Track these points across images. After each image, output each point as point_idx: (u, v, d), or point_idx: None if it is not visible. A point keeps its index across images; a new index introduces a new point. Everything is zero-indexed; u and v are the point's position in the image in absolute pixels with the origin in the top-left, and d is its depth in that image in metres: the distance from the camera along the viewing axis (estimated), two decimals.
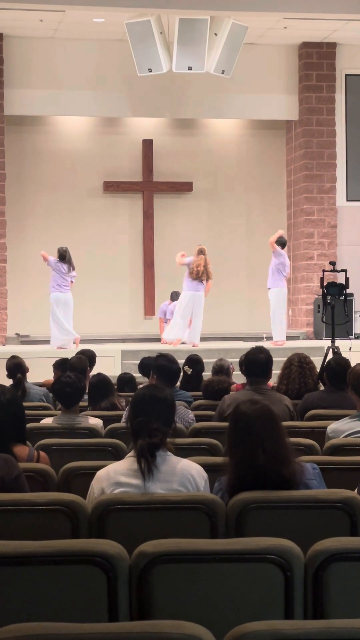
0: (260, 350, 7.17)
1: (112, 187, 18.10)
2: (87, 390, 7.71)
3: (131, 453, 4.14)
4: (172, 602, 3.20)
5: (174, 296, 16.61)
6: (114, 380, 8.68)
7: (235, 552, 3.26)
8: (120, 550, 3.22)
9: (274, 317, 15.77)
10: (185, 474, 4.09)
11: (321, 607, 3.24)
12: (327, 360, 8.15)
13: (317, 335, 17.12)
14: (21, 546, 3.23)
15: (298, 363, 7.92)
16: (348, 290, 13.15)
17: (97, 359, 10.10)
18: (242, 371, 7.22)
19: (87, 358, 9.42)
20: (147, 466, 4.00)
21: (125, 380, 9.37)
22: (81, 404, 6.94)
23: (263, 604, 3.23)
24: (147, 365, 9.42)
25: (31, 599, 3.19)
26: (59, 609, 3.18)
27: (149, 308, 18.13)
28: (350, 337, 15.53)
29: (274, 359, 7.19)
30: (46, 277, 16.89)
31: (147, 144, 18.17)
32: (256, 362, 7.01)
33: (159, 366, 7.30)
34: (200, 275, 15.50)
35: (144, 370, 9.81)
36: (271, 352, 7.26)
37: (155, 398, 4.21)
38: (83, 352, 9.92)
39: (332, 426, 5.88)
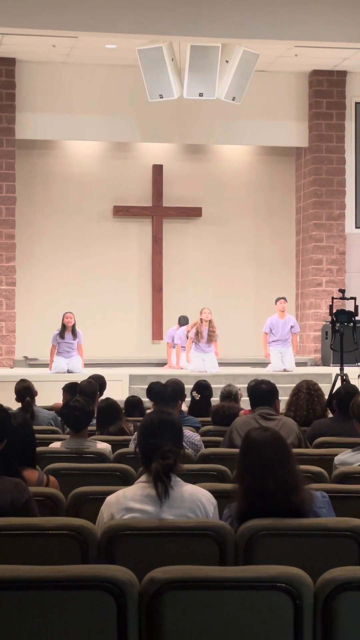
0: (262, 381, 7.27)
1: (122, 212, 18.16)
2: (95, 415, 7.72)
3: (142, 478, 4.14)
4: (182, 628, 3.20)
5: (182, 321, 16.64)
6: (121, 405, 8.69)
7: (245, 579, 3.25)
8: (130, 576, 3.22)
9: None
10: (194, 500, 4.09)
11: (330, 636, 3.23)
12: (336, 388, 8.15)
13: (325, 362, 17.11)
14: (30, 571, 3.23)
15: (306, 390, 7.93)
16: (357, 318, 13.13)
17: (105, 383, 10.11)
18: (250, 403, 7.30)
19: (98, 383, 9.43)
20: (163, 489, 4.00)
21: (134, 403, 9.37)
22: (90, 428, 6.94)
23: (272, 632, 3.22)
24: (150, 390, 9.43)
25: (40, 624, 3.18)
26: (68, 634, 3.18)
27: (157, 332, 18.14)
28: (359, 364, 15.52)
29: (283, 384, 7.23)
30: (54, 300, 16.94)
31: (157, 169, 18.24)
32: (259, 393, 7.10)
33: (150, 392, 7.41)
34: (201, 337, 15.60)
35: (150, 396, 9.81)
36: (280, 378, 7.30)
37: (164, 421, 4.22)
38: (94, 377, 9.93)
39: (340, 457, 5.86)
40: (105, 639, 3.19)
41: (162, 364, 16.91)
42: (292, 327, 15.88)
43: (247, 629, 3.22)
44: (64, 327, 15.32)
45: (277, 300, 16.02)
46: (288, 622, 3.22)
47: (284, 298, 16.01)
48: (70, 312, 15.38)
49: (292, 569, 3.26)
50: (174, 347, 16.43)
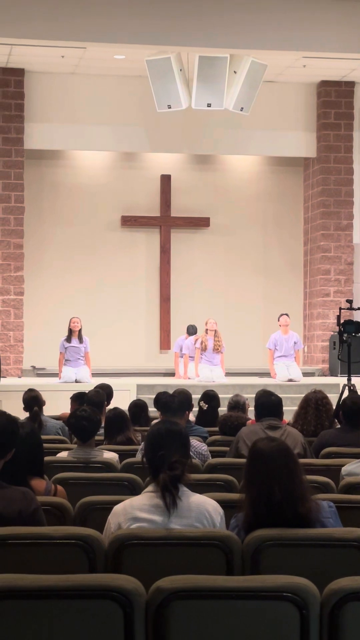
0: (270, 393, 7.31)
1: (130, 222, 18.19)
2: (103, 424, 7.73)
3: (149, 488, 4.15)
4: (188, 638, 3.21)
5: (191, 330, 16.65)
6: (127, 412, 8.70)
7: (251, 589, 3.26)
8: (137, 586, 3.23)
9: None
10: (201, 510, 4.10)
11: None
12: (342, 399, 8.16)
13: (332, 372, 17.11)
14: (38, 580, 3.24)
15: (315, 405, 7.94)
16: None
17: (113, 393, 10.12)
18: (255, 414, 7.33)
19: (105, 393, 9.45)
20: (171, 500, 4.01)
21: (140, 406, 9.38)
22: (97, 438, 6.95)
23: None
24: (158, 400, 9.45)
25: (47, 634, 3.19)
26: None
27: (165, 342, 18.15)
28: None
29: (290, 395, 7.26)
30: (62, 310, 16.96)
31: (165, 179, 18.27)
32: (267, 405, 7.13)
33: (158, 402, 7.43)
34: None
35: (157, 406, 9.82)
36: (288, 388, 7.34)
37: (171, 432, 4.23)
38: (101, 387, 9.94)
39: (347, 468, 5.87)
40: None
41: (169, 374, 16.92)
42: (295, 343, 15.90)
43: (254, 638, 3.22)
44: (70, 331, 15.40)
45: (280, 316, 16.05)
46: (294, 632, 3.23)
47: (286, 314, 16.04)
48: (76, 317, 15.47)
49: (299, 579, 3.27)
50: (182, 357, 16.44)
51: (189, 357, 16.30)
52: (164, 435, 4.20)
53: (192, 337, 16.31)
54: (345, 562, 3.89)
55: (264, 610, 3.24)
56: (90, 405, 8.10)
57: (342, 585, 3.25)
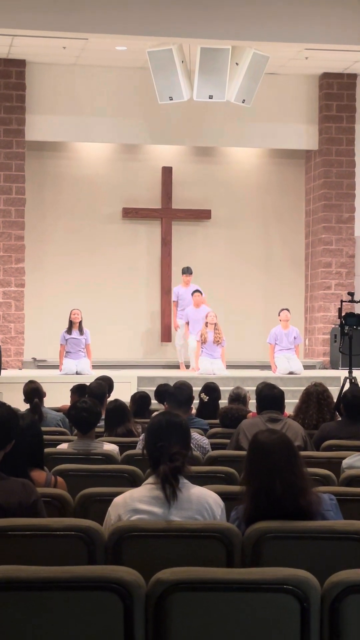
0: (271, 386, 7.32)
1: (131, 214, 18.17)
2: (103, 416, 7.72)
3: (149, 480, 4.14)
4: (188, 630, 3.20)
5: (186, 271, 16.74)
6: (128, 404, 8.70)
7: (252, 581, 3.25)
8: (137, 578, 3.22)
9: None
10: (202, 502, 4.10)
11: (337, 639, 3.23)
12: (343, 392, 8.16)
13: (333, 365, 17.10)
14: (38, 572, 3.24)
15: (316, 399, 7.95)
16: None
17: (113, 385, 10.12)
18: (256, 407, 7.32)
19: (107, 385, 9.45)
20: (171, 491, 4.01)
21: (143, 397, 9.38)
22: (98, 429, 6.94)
23: (279, 634, 3.22)
24: (163, 392, 9.45)
25: (47, 625, 3.19)
26: (75, 635, 3.19)
27: (166, 334, 18.14)
28: None
29: (291, 387, 7.27)
30: (63, 302, 16.94)
31: (167, 172, 18.24)
32: (268, 397, 7.13)
33: (165, 392, 7.41)
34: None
35: (160, 397, 9.83)
36: (289, 380, 7.34)
37: (172, 423, 4.23)
38: (102, 379, 9.94)
39: (347, 461, 5.87)
40: None
41: (170, 366, 16.91)
42: (295, 337, 15.93)
43: (254, 631, 3.22)
44: (71, 323, 15.42)
45: (280, 311, 16.07)
46: (295, 625, 3.22)
47: (287, 309, 16.06)
48: (77, 309, 15.49)
49: (300, 572, 3.26)
50: (179, 309, 16.59)
51: (186, 323, 16.40)
52: (165, 427, 4.19)
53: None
54: (346, 554, 3.88)
55: (264, 602, 3.23)
56: (92, 397, 8.11)
57: (343, 578, 3.25)
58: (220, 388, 10.08)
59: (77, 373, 14.93)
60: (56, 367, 15.65)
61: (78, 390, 9.62)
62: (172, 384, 8.72)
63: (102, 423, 7.63)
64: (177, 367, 16.80)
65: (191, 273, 16.89)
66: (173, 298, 16.93)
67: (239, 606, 3.22)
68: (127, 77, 17.27)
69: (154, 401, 10.14)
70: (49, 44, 15.73)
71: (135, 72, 17.07)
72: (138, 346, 17.96)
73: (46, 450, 5.96)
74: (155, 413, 6.41)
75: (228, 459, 6.40)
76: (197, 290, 16.44)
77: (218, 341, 15.66)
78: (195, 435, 6.95)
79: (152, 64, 15.22)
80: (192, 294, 16.43)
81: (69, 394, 9.84)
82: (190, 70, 15.48)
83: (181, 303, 16.68)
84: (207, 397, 9.63)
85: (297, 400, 8.30)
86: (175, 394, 7.38)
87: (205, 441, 7.16)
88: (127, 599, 3.18)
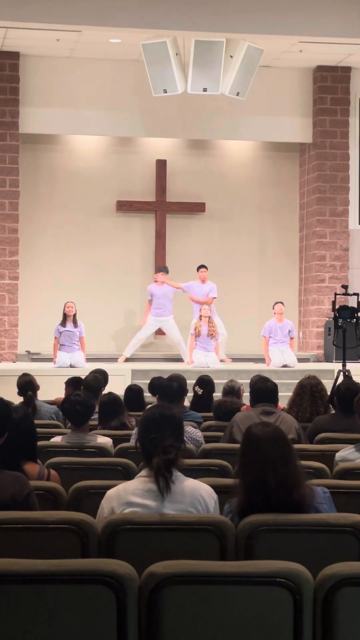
0: (265, 379, 7.33)
1: (125, 207, 18.14)
2: (97, 409, 7.72)
3: (142, 473, 4.14)
4: (181, 623, 3.20)
5: (162, 269, 16.69)
6: (122, 397, 8.70)
7: (245, 574, 3.25)
8: (130, 571, 3.22)
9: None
10: (195, 495, 4.09)
11: (330, 632, 3.23)
12: (337, 385, 8.16)
13: (327, 358, 17.11)
14: (31, 565, 3.23)
15: (310, 392, 7.95)
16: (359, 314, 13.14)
17: (108, 378, 10.12)
18: (250, 400, 7.33)
19: (103, 378, 9.46)
20: (165, 484, 4.00)
21: (135, 391, 9.38)
22: (92, 423, 6.94)
23: (272, 627, 3.22)
24: (157, 385, 9.45)
25: (40, 618, 3.19)
26: (68, 628, 3.18)
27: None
28: None
29: (285, 380, 7.26)
30: (57, 295, 16.92)
31: (161, 164, 18.22)
32: (262, 390, 7.14)
33: (157, 386, 7.41)
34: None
35: (154, 391, 9.83)
36: (283, 374, 7.34)
37: (165, 416, 4.23)
38: (98, 372, 9.93)
39: (341, 454, 5.88)
40: (104, 633, 3.19)
41: (165, 359, 16.90)
42: (289, 331, 15.95)
43: (247, 624, 3.22)
44: (65, 316, 15.42)
45: (274, 304, 16.09)
46: (288, 617, 3.22)
47: (281, 302, 16.07)
48: (71, 302, 15.50)
49: (293, 565, 3.26)
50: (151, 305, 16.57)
51: (154, 308, 16.39)
52: (158, 420, 4.19)
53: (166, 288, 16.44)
54: (339, 547, 3.88)
55: (257, 595, 3.23)
56: (88, 390, 8.11)
57: (336, 571, 3.25)
58: (215, 381, 10.08)
59: (71, 366, 14.93)
60: (50, 360, 15.65)
61: (72, 383, 9.62)
62: (166, 377, 8.71)
63: (96, 416, 7.62)
64: (172, 360, 16.79)
65: (167, 272, 16.76)
66: (148, 297, 16.83)
67: (232, 599, 3.22)
68: (121, 70, 17.24)
69: (147, 394, 10.14)
70: (43, 36, 15.69)
71: (130, 65, 17.03)
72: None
73: (40, 443, 5.95)
74: (149, 406, 6.41)
75: (222, 451, 6.40)
76: (203, 266, 16.44)
77: (212, 334, 15.68)
78: (189, 428, 6.95)
79: (146, 56, 15.20)
80: (199, 270, 16.46)
81: (63, 386, 9.83)
82: (184, 62, 15.46)
83: (155, 301, 16.60)
84: (202, 390, 9.63)
85: (291, 393, 8.30)
86: (166, 387, 7.38)
87: (198, 434, 7.16)
88: (120, 592, 3.18)
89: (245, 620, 3.22)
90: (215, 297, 16.26)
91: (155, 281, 16.68)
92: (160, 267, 17.09)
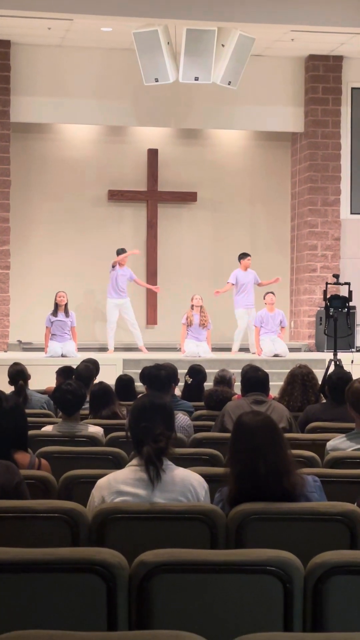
0: (256, 368, 7.33)
1: (117, 196, 18.12)
2: (88, 399, 7.71)
3: (133, 462, 4.14)
4: (172, 612, 3.20)
5: (120, 251, 16.50)
6: (113, 386, 8.69)
7: (235, 563, 3.26)
8: (120, 559, 3.22)
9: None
10: (186, 484, 4.09)
11: (320, 620, 3.24)
12: (328, 374, 8.16)
13: (319, 348, 17.12)
14: (21, 553, 3.23)
15: (301, 381, 7.96)
16: (351, 303, 13.15)
17: (99, 367, 10.11)
18: (241, 389, 7.34)
19: (94, 367, 9.45)
20: (155, 472, 4.00)
21: (125, 381, 9.37)
22: (83, 412, 6.94)
23: (262, 615, 3.22)
24: (148, 374, 9.42)
25: (30, 607, 3.18)
26: (58, 617, 3.18)
27: (151, 317, 18.14)
28: (352, 350, 15.56)
29: (276, 370, 7.26)
30: (49, 284, 16.91)
31: (152, 154, 18.19)
32: (253, 380, 7.15)
33: (145, 375, 7.42)
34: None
35: (144, 380, 9.81)
36: (274, 363, 7.34)
37: (155, 405, 4.23)
38: (89, 361, 9.93)
39: (332, 443, 5.88)
40: (95, 622, 3.19)
41: (157, 349, 16.89)
42: (281, 320, 15.99)
43: (237, 612, 3.22)
44: (56, 306, 15.42)
45: (265, 294, 16.11)
46: (278, 606, 3.23)
47: (272, 292, 16.10)
48: (62, 292, 15.52)
49: (283, 553, 3.27)
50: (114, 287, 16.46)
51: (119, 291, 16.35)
52: (148, 409, 4.19)
53: (127, 272, 16.38)
54: (329, 536, 3.89)
55: (247, 584, 3.23)
56: (80, 380, 8.10)
57: (326, 559, 3.25)
58: (206, 370, 10.07)
59: (62, 355, 14.94)
60: (42, 349, 15.64)
61: (63, 373, 9.61)
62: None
63: (87, 405, 7.62)
64: (163, 349, 16.79)
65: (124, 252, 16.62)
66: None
67: (222, 588, 3.22)
68: (113, 59, 17.19)
69: (139, 384, 10.12)
70: (34, 24, 15.64)
71: (121, 54, 16.98)
72: (124, 329, 17.92)
73: (31, 432, 5.95)
74: (140, 395, 6.41)
75: (213, 441, 6.40)
76: (247, 254, 16.58)
77: (204, 324, 15.68)
78: (178, 415, 6.94)
79: (138, 45, 15.15)
80: (241, 259, 16.52)
81: (54, 376, 9.82)
82: (176, 51, 15.42)
83: (120, 284, 16.49)
84: (191, 380, 9.63)
85: (282, 383, 8.31)
86: (155, 375, 7.37)
87: (187, 422, 7.15)
88: (110, 581, 3.18)
89: (235, 608, 3.22)
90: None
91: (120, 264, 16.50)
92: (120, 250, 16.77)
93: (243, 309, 16.36)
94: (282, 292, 17.82)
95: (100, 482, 4.16)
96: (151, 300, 18.15)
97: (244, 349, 16.65)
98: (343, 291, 14.39)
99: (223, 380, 9.24)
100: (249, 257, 16.60)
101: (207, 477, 4.27)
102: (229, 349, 16.71)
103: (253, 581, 3.24)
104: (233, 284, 16.41)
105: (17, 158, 17.29)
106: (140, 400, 4.29)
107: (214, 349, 16.00)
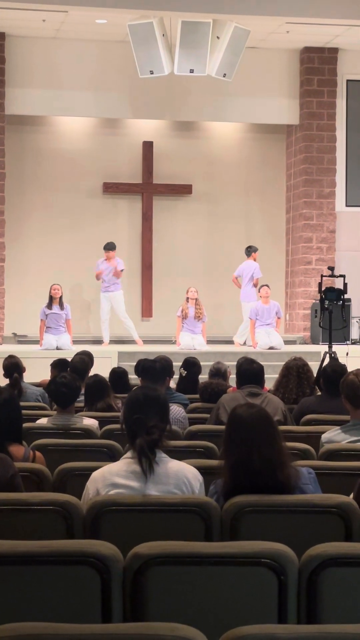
0: (251, 360, 7.33)
1: (112, 189, 18.10)
2: (83, 391, 7.71)
3: (127, 454, 4.14)
4: (166, 604, 3.20)
5: (109, 246, 16.43)
6: (107, 378, 8.69)
7: (230, 555, 3.25)
8: (114, 552, 3.22)
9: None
10: (180, 477, 4.09)
11: (314, 612, 3.24)
12: (323, 366, 8.16)
13: (314, 340, 17.13)
14: (15, 546, 3.23)
15: (297, 373, 7.96)
16: (346, 296, 13.17)
17: (94, 360, 10.10)
18: (236, 382, 7.33)
19: (89, 360, 9.44)
20: (148, 465, 4.00)
21: (119, 374, 9.37)
22: (77, 404, 6.93)
23: (257, 607, 3.22)
24: (141, 366, 9.43)
25: (25, 599, 3.18)
26: (53, 609, 3.18)
27: (147, 310, 18.13)
28: (347, 342, 15.55)
29: (271, 362, 7.26)
30: (44, 277, 16.89)
31: (148, 146, 18.17)
32: (249, 372, 7.14)
33: (140, 368, 7.43)
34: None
35: (139, 372, 9.80)
36: (269, 356, 7.34)
37: (149, 397, 4.22)
38: (83, 354, 9.92)
39: (327, 435, 5.89)
40: (89, 614, 3.19)
41: (151, 341, 16.89)
42: (276, 312, 16.02)
43: (232, 604, 3.22)
44: (51, 298, 15.42)
45: (260, 287, 16.12)
46: (272, 598, 3.23)
47: (267, 285, 16.12)
48: (57, 284, 15.53)
49: (277, 545, 3.27)
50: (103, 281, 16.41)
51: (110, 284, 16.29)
52: (142, 401, 4.18)
53: (117, 263, 16.31)
54: (324, 528, 3.89)
55: (242, 576, 3.23)
56: (74, 372, 8.09)
57: (320, 551, 3.25)
58: (201, 363, 10.07)
59: (57, 348, 14.94)
60: (37, 342, 15.64)
61: (58, 365, 9.61)
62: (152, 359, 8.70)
63: (81, 398, 7.62)
64: (158, 342, 16.78)
65: (113, 249, 16.57)
66: (95, 269, 16.59)
67: (217, 580, 3.22)
68: (108, 51, 17.15)
69: (134, 376, 10.12)
70: (29, 16, 15.60)
71: (116, 46, 16.95)
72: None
73: (25, 425, 5.95)
74: (135, 387, 6.41)
75: (208, 433, 6.40)
76: (254, 248, 16.73)
77: (199, 317, 15.68)
78: (172, 407, 6.93)
79: (133, 37, 15.13)
80: (254, 252, 16.71)
81: (49, 368, 9.82)
82: (171, 44, 15.39)
83: (105, 278, 16.46)
84: (185, 372, 9.63)
85: (277, 375, 8.31)
86: (149, 367, 7.37)
87: (181, 414, 7.15)
88: (104, 573, 3.18)
89: (229, 601, 3.22)
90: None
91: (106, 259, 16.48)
92: (108, 244, 16.72)
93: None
94: (277, 284, 17.82)
95: (95, 474, 4.16)
96: (146, 292, 18.14)
97: (229, 342, 16.66)
98: (338, 284, 14.41)
99: (218, 372, 9.24)
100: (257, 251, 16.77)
101: (202, 470, 4.27)
102: (224, 342, 16.71)
103: (247, 573, 3.24)
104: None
105: (11, 150, 17.26)
106: (134, 393, 4.28)
107: (209, 342, 16.00)
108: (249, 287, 16.59)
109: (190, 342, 15.43)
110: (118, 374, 9.36)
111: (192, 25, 15.01)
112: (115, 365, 13.14)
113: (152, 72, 15.41)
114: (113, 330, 16.90)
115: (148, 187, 18.16)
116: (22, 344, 16.59)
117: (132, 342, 16.62)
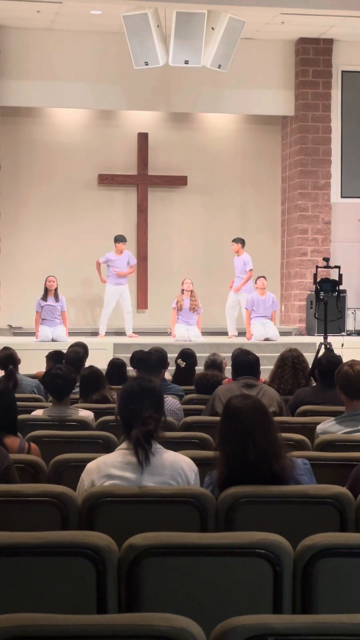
0: (247, 352, 7.34)
1: (107, 180, 18.08)
2: (78, 383, 7.71)
3: (123, 445, 4.14)
4: (161, 595, 3.21)
5: (119, 238, 16.41)
6: (104, 370, 8.69)
7: (225, 546, 3.26)
8: (109, 543, 3.22)
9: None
10: (175, 467, 4.09)
11: (309, 602, 3.24)
12: (318, 357, 8.17)
13: (309, 331, 17.14)
14: (10, 537, 3.23)
15: (292, 364, 7.96)
16: (341, 287, 13.15)
17: (89, 351, 10.10)
18: (232, 373, 7.34)
19: (84, 351, 9.44)
20: (144, 455, 4.00)
21: (117, 366, 9.37)
22: (73, 396, 6.93)
23: (252, 598, 3.23)
24: (137, 358, 9.43)
25: (20, 590, 3.18)
26: (48, 600, 3.18)
27: (142, 301, 18.12)
28: (343, 333, 15.56)
29: (267, 354, 7.27)
30: (39, 269, 16.88)
31: (143, 137, 18.14)
32: (244, 364, 7.15)
33: (135, 359, 7.43)
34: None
35: (134, 363, 9.81)
36: (265, 347, 7.34)
37: (144, 388, 4.21)
38: (78, 345, 9.92)
39: (322, 426, 5.89)
40: (84, 606, 3.19)
41: (147, 333, 16.90)
42: (272, 303, 16.04)
43: (227, 595, 3.22)
44: (46, 290, 15.42)
45: (256, 279, 16.12)
46: (267, 588, 3.23)
47: (263, 277, 16.13)
48: (52, 276, 15.52)
49: (272, 536, 3.27)
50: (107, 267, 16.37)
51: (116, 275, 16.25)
52: (137, 392, 4.17)
53: (127, 256, 16.31)
54: (319, 519, 3.90)
55: (237, 566, 3.24)
56: (69, 364, 8.09)
57: (316, 542, 3.26)
58: (197, 354, 10.07)
59: (53, 340, 14.95)
60: (32, 334, 15.64)
61: (53, 357, 9.60)
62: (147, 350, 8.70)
63: (77, 389, 7.61)
64: (154, 333, 16.78)
65: (125, 241, 16.56)
66: (102, 260, 16.54)
67: (212, 571, 3.22)
68: (102, 42, 17.12)
69: (130, 368, 10.12)
70: (23, 7, 15.56)
71: (111, 37, 16.91)
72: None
73: (21, 416, 5.95)
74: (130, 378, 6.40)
75: (203, 424, 6.41)
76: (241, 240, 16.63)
77: (194, 308, 15.69)
78: (167, 399, 6.94)
79: (128, 28, 15.09)
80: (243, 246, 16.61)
81: (45, 360, 9.82)
82: (165, 35, 15.36)
83: (111, 270, 16.43)
84: (184, 363, 9.63)
85: (272, 367, 8.31)
86: (145, 358, 7.38)
87: (177, 406, 7.15)
88: (99, 565, 3.18)
89: (224, 591, 3.22)
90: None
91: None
92: (118, 236, 16.70)
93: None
94: (272, 275, 17.82)
95: (90, 465, 4.16)
96: (141, 284, 18.13)
97: (241, 334, 16.66)
98: (333, 275, 14.40)
99: (214, 364, 9.24)
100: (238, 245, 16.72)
101: (197, 461, 4.27)
102: (219, 333, 16.71)
103: (243, 564, 3.24)
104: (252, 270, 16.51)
105: (6, 142, 17.23)
106: (129, 384, 4.28)
107: (204, 333, 16.00)
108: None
109: (185, 333, 15.43)
110: (117, 366, 9.36)
111: (187, 16, 14.98)
112: (111, 357, 13.14)
113: (146, 63, 15.37)
114: (109, 322, 16.90)
115: (143, 179, 18.14)
116: (18, 335, 16.59)
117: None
